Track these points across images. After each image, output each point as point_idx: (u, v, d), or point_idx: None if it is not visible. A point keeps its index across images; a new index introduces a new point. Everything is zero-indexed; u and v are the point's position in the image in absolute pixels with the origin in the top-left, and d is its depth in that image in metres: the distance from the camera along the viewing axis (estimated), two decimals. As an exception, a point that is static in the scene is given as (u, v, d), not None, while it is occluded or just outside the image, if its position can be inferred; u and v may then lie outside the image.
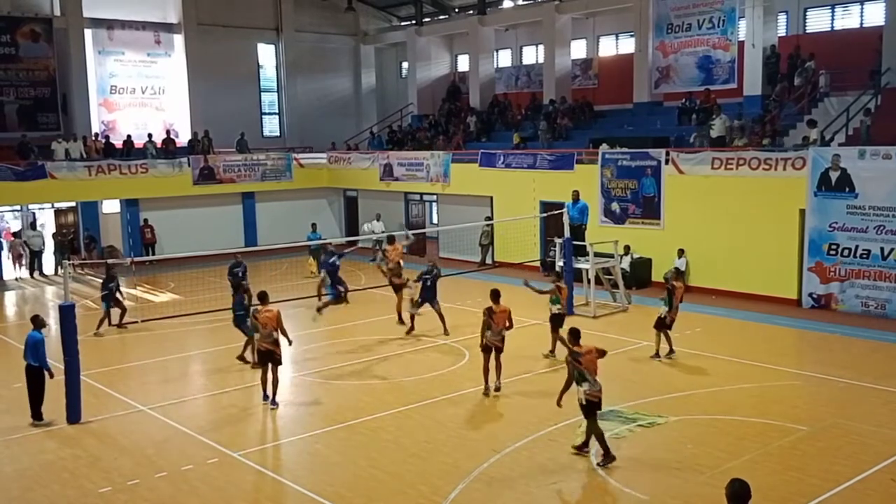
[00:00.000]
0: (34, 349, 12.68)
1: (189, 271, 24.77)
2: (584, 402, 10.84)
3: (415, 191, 30.55)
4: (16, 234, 29.11)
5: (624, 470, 10.68)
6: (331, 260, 18.00)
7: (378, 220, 29.64)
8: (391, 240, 20.05)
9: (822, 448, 11.23)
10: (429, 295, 18.00)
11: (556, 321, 15.95)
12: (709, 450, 11.17)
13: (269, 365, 13.50)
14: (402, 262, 19.14)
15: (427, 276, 18.06)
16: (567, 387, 11.02)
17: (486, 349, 13.80)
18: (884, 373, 14.61)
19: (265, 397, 13.58)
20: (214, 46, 33.58)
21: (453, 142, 31.00)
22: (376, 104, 39.28)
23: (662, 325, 15.81)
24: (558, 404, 11.21)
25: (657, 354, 15.83)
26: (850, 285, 19.13)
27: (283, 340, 13.88)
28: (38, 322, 13.00)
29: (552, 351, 16.15)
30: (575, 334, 11.21)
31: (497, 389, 13.87)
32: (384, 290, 19.68)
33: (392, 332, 18.22)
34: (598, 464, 10.74)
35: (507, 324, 13.86)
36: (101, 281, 19.64)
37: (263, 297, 13.98)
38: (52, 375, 12.79)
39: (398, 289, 18.81)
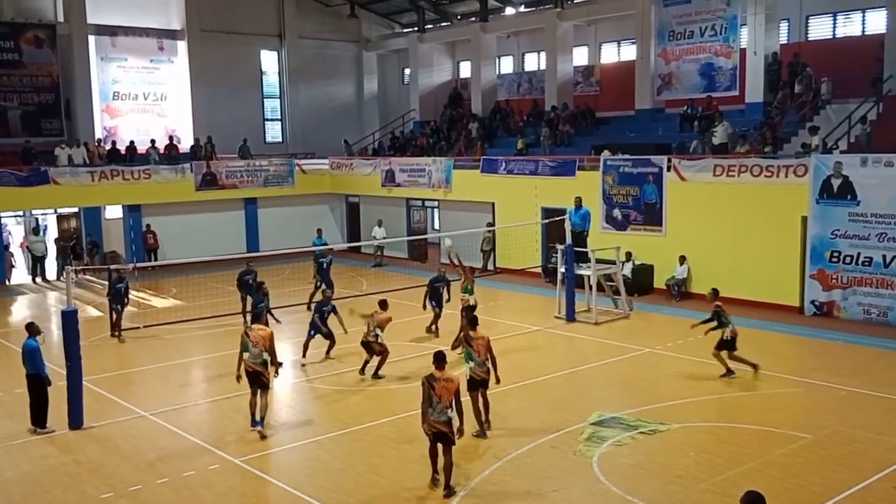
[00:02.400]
0: (31, 358, 12.69)
1: (191, 277, 24.77)
2: (432, 431, 10.21)
3: (416, 197, 30.58)
4: (6, 246, 29.26)
5: (626, 477, 10.67)
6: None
7: (380, 227, 29.67)
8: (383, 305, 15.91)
9: (824, 456, 11.21)
10: (439, 299, 18.56)
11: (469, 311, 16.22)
12: (710, 457, 11.17)
13: (257, 388, 12.57)
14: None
15: (438, 284, 18.53)
16: (424, 411, 10.21)
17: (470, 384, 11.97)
18: (886, 380, 14.59)
19: (253, 423, 12.58)
20: (217, 53, 33.67)
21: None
22: (378, 110, 39.35)
23: (727, 346, 14.88)
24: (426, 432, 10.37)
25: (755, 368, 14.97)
26: (852, 293, 19.12)
27: (280, 363, 13.84)
28: (32, 329, 12.99)
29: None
30: (440, 359, 10.43)
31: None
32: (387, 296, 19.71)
33: (392, 338, 18.19)
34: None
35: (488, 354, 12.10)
36: (104, 285, 19.59)
37: (256, 318, 13.55)
38: (49, 383, 12.79)
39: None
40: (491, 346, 12.15)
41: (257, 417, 12.57)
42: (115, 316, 18.82)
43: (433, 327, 18.64)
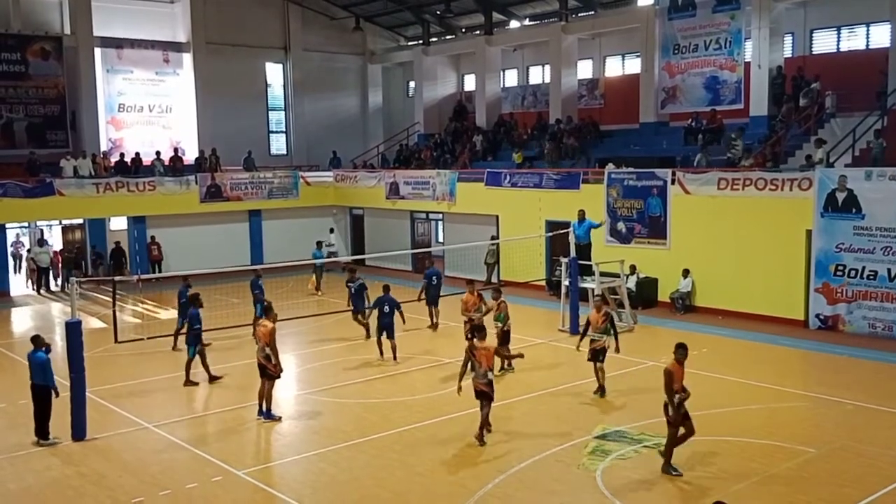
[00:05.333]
0: (41, 370, 12.67)
1: (195, 288, 24.77)
2: (475, 389, 12.38)
3: (421, 209, 30.61)
4: (29, 250, 29.41)
5: (630, 491, 10.63)
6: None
7: (331, 232, 29.63)
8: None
9: (830, 470, 11.16)
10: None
11: (505, 338, 16.13)
12: (716, 471, 11.11)
13: (264, 379, 13.74)
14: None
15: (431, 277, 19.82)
16: (462, 372, 12.51)
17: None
18: (891, 394, 14.53)
19: (259, 412, 13.77)
20: (223, 65, 33.76)
21: (459, 161, 31.12)
22: (383, 123, 39.40)
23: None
24: (458, 391, 12.55)
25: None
26: (857, 306, 19.06)
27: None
28: (39, 342, 12.98)
29: (505, 366, 16.11)
30: (479, 329, 12.71)
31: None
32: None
33: (398, 351, 18.20)
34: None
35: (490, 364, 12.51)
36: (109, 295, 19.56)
37: (267, 311, 14.20)
38: (57, 394, 12.81)
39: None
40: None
41: (263, 408, 13.70)
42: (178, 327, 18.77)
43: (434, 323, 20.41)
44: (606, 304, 15.96)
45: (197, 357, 16.07)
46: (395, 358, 17.23)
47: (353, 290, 19.42)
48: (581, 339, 14.92)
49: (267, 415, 13.72)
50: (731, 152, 22.90)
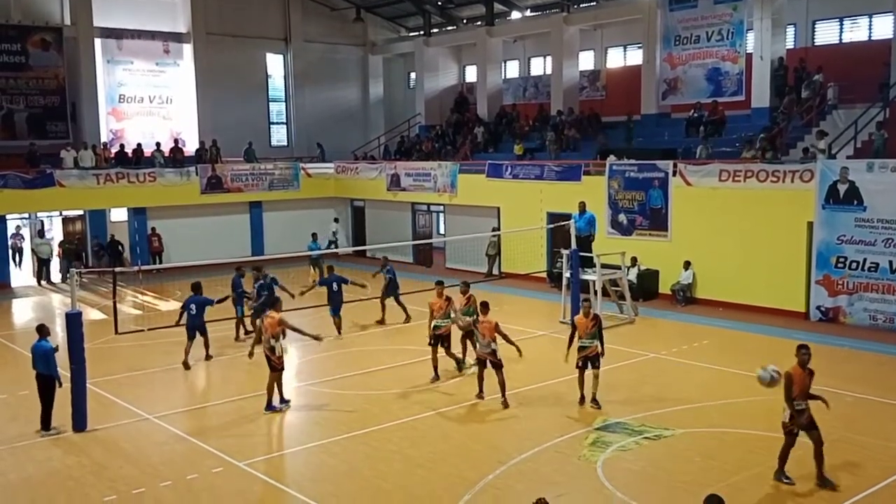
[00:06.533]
0: (45, 359, 12.69)
1: (196, 280, 24.76)
2: (480, 359, 13.91)
3: (422, 201, 30.57)
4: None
5: (630, 483, 10.64)
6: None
7: (336, 222, 29.80)
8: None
9: (831, 462, 11.12)
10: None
11: (471, 334, 15.27)
12: (716, 463, 11.12)
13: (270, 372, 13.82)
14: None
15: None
16: (472, 341, 14.78)
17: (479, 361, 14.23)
18: (892, 387, 14.52)
19: (269, 405, 13.78)
20: (223, 56, 33.67)
21: (461, 152, 31.08)
22: (384, 114, 39.32)
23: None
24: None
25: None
26: (858, 298, 19.04)
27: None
28: (44, 331, 13.00)
29: (463, 359, 15.95)
30: (485, 305, 14.04)
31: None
32: (389, 301, 19.75)
33: (398, 343, 18.20)
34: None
35: (493, 336, 13.65)
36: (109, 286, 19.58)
37: (273, 303, 14.49)
38: (61, 384, 12.83)
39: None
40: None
41: (274, 400, 13.78)
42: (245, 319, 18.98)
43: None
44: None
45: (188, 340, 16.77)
46: (339, 332, 18.90)
47: (255, 289, 18.74)
48: (569, 348, 13.75)
49: (269, 407, 13.73)
50: (754, 151, 22.41)
